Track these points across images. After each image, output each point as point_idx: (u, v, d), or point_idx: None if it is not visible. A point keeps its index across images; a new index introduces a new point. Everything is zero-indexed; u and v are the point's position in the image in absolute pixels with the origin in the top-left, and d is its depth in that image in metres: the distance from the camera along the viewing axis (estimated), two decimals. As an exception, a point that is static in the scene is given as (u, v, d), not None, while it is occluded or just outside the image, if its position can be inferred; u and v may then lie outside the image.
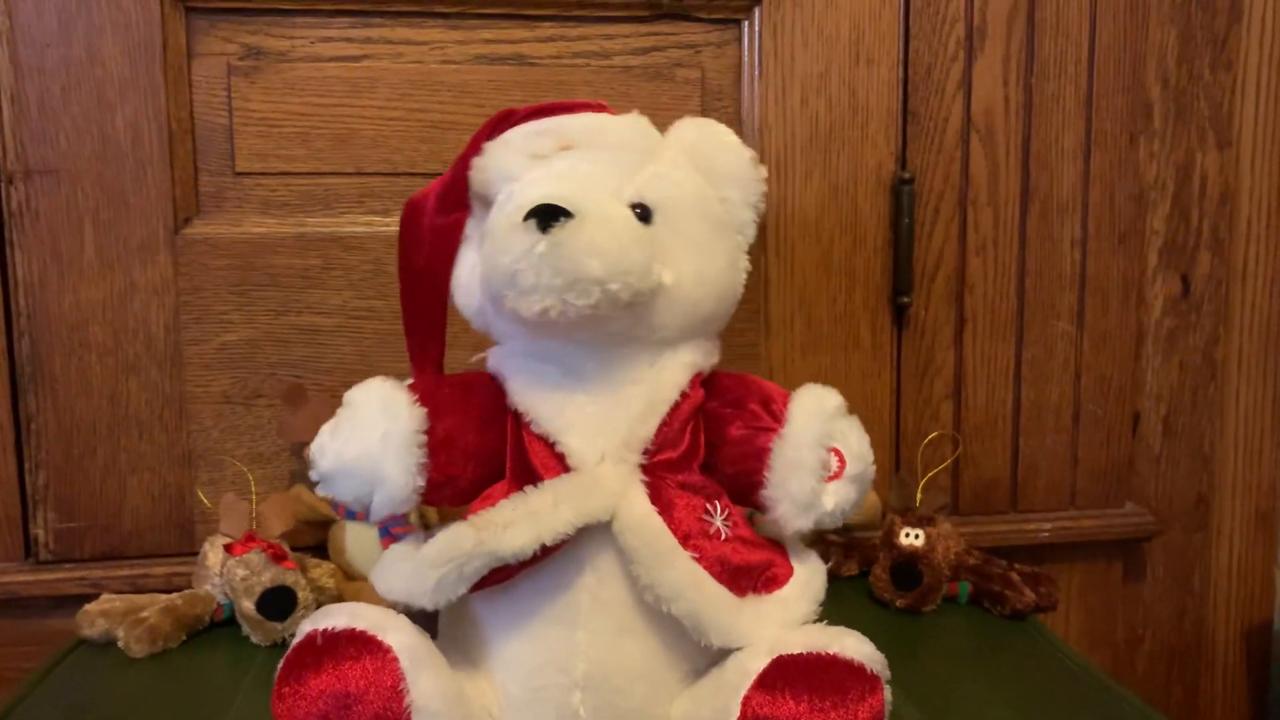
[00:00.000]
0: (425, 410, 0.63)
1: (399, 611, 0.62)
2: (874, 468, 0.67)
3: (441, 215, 0.67)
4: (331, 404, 0.89)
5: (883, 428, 1.02)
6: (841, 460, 0.65)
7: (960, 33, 0.99)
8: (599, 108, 0.70)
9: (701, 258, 0.65)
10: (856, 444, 0.66)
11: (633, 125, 0.68)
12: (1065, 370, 1.05)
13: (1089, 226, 1.03)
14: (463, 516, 0.65)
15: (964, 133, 1.00)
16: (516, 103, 0.94)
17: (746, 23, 0.97)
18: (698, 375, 0.67)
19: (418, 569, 0.62)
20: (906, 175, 0.99)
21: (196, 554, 0.89)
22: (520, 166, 0.65)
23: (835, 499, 0.65)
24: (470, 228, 0.68)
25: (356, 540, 0.88)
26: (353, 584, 0.88)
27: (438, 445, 0.63)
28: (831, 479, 0.65)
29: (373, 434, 0.62)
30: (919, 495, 0.91)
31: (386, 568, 0.65)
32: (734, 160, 0.69)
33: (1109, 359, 1.06)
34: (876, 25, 0.98)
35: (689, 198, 0.66)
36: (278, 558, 0.82)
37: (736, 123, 0.99)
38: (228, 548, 0.82)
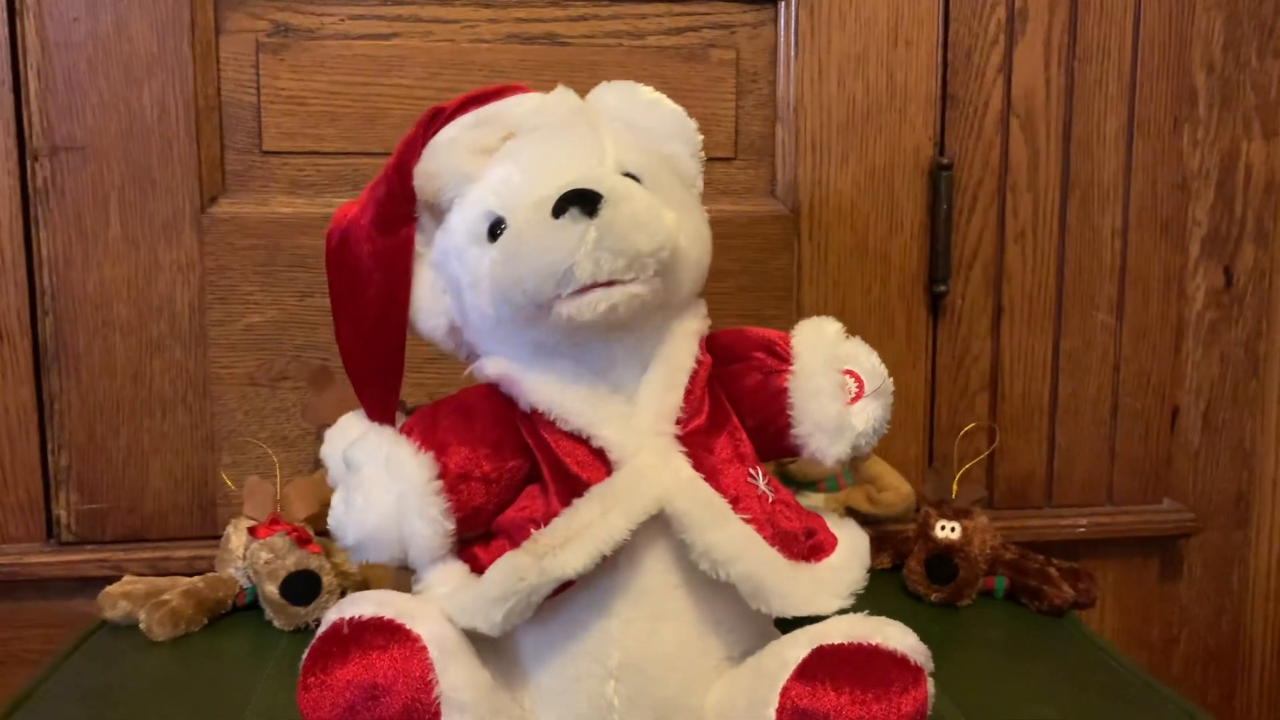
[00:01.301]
0: (431, 454, 0.61)
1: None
2: (891, 381, 0.66)
3: (384, 236, 0.62)
4: (357, 387, 0.90)
5: (917, 419, 1.01)
6: (858, 380, 0.64)
7: (1001, 15, 0.97)
8: (520, 89, 0.66)
9: (686, 215, 0.63)
10: (867, 361, 0.65)
11: (568, 100, 0.65)
12: (1104, 362, 1.03)
13: (1130, 215, 1.01)
14: (501, 520, 0.63)
15: (1004, 117, 0.98)
16: (547, 84, 0.93)
17: (783, 3, 0.95)
18: (701, 340, 0.65)
19: (481, 604, 0.58)
20: (945, 160, 0.97)
21: (219, 538, 0.88)
22: (474, 164, 0.62)
23: (864, 417, 0.64)
24: (420, 241, 0.63)
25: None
26: (377, 569, 0.86)
27: (454, 483, 0.61)
28: (853, 401, 0.64)
29: (386, 498, 0.60)
30: (954, 488, 0.88)
31: (442, 596, 0.61)
32: (668, 116, 0.67)
33: (1148, 352, 1.04)
34: (915, 7, 0.96)
35: (655, 160, 0.64)
36: (302, 541, 0.81)
37: (771, 105, 0.97)
38: (252, 530, 0.81)
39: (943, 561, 0.85)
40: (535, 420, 0.62)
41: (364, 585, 0.87)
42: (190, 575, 0.86)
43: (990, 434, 0.99)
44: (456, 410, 0.63)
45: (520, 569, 0.58)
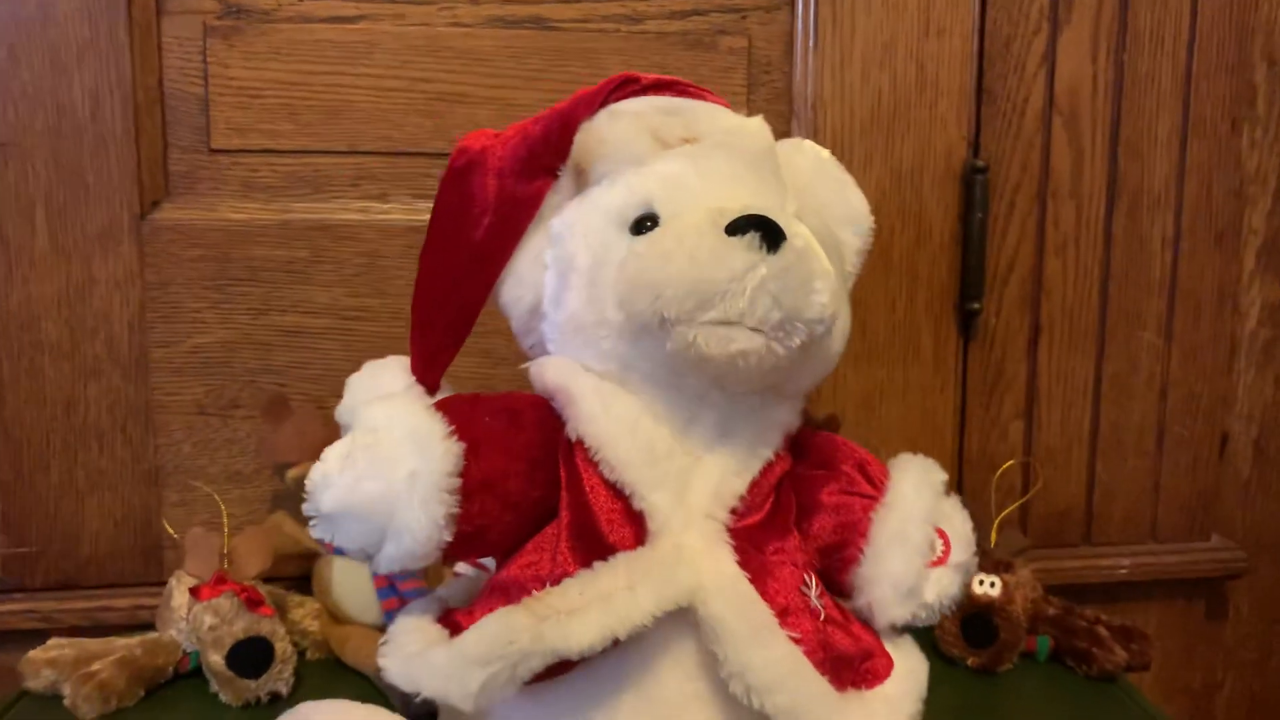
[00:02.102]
0: (463, 445, 0.52)
1: (395, 689, 0.52)
2: (976, 558, 0.59)
3: (521, 181, 0.56)
4: (319, 418, 0.81)
5: (945, 450, 0.92)
6: (946, 544, 0.57)
7: (1044, 1, 0.88)
8: (716, 98, 0.60)
9: (841, 303, 0.56)
10: (962, 527, 0.59)
11: (765, 133, 0.57)
12: (1150, 387, 0.95)
13: (1182, 224, 0.93)
14: (500, 577, 0.54)
15: (1045, 115, 0.90)
16: (534, 74, 0.85)
17: (801, -15, 0.87)
18: (788, 436, 0.58)
19: (457, 666, 0.50)
20: (980, 163, 0.88)
21: (165, 583, 0.78)
22: (646, 148, 0.55)
23: (937, 589, 0.57)
24: (547, 202, 0.57)
25: (345, 578, 0.77)
26: (339, 628, 0.77)
27: (473, 490, 0.52)
28: (934, 564, 0.57)
29: (397, 471, 0.50)
30: (993, 535, 0.79)
31: (410, 654, 0.53)
32: (852, 203, 0.61)
33: (1198, 374, 0.96)
34: (949, -10, 0.87)
35: (825, 234, 0.57)
36: (253, 603, 0.71)
37: (786, 99, 0.88)
38: (194, 591, 0.71)
39: (981, 622, 0.76)
40: (577, 454, 0.54)
41: (324, 645, 0.77)
42: (132, 628, 0.79)
43: (1025, 471, 0.90)
44: (503, 410, 0.55)
45: (514, 629, 0.49)
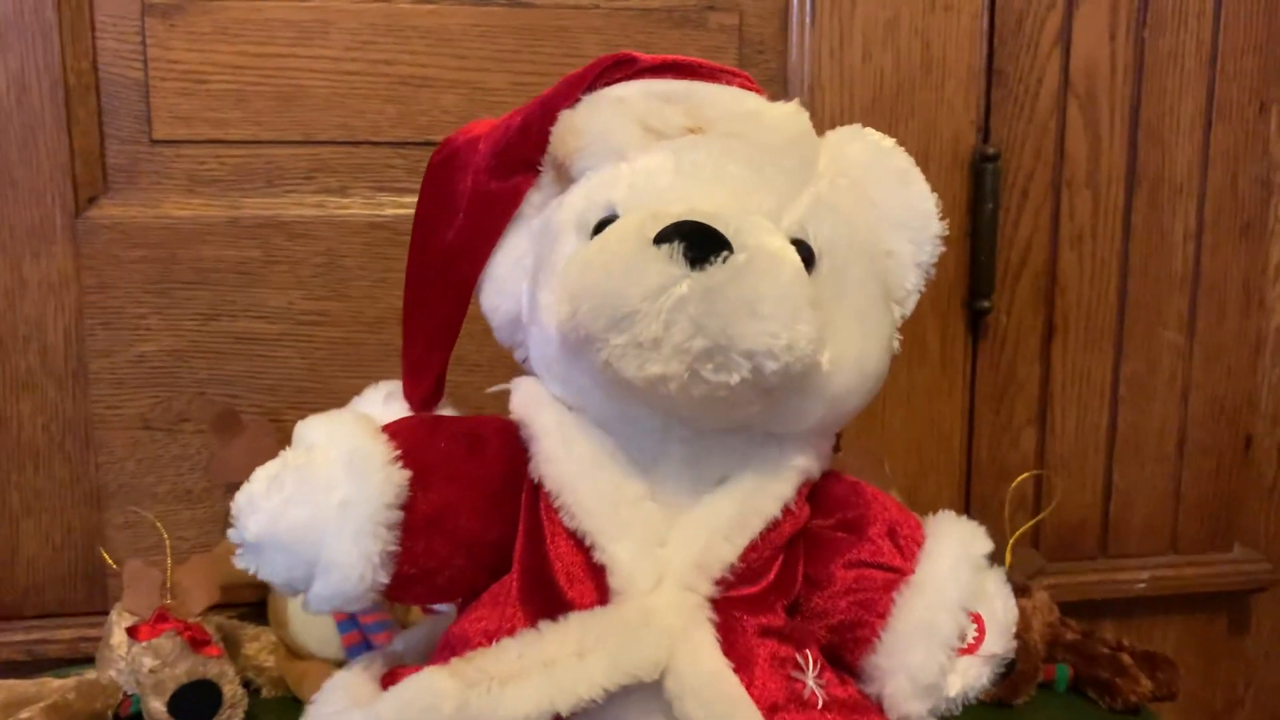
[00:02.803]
0: (409, 474, 0.46)
1: None
2: (1015, 645, 0.52)
3: (496, 176, 0.51)
4: (273, 433, 0.75)
5: (952, 458, 0.87)
6: (981, 630, 0.50)
7: None
8: (744, 80, 0.53)
9: (865, 333, 0.49)
10: (1004, 611, 0.51)
11: (794, 119, 0.50)
12: (1170, 389, 0.90)
13: (1206, 214, 0.88)
14: (451, 630, 0.48)
15: (1060, 98, 0.84)
16: (507, 55, 0.79)
17: (796, -43, 0.81)
18: (806, 485, 0.50)
19: None
20: (990, 150, 0.83)
21: (109, 613, 0.72)
22: (633, 139, 0.48)
23: (963, 682, 0.50)
24: (529, 200, 0.51)
25: (302, 612, 0.70)
26: (297, 664, 0.71)
27: (419, 527, 0.47)
28: (964, 652, 0.49)
29: (327, 498, 0.45)
30: (1008, 555, 0.73)
31: (326, 716, 0.47)
32: (914, 201, 0.52)
33: (1222, 375, 0.91)
34: (957, -38, 0.82)
35: (860, 244, 0.49)
36: (197, 643, 0.65)
37: (781, 81, 0.82)
38: (132, 631, 0.64)
39: (996, 652, 0.70)
40: (540, 496, 0.48)
41: (280, 682, 0.71)
42: (73, 663, 0.74)
43: (1038, 483, 0.85)
44: (465, 436, 0.49)
45: (436, 695, 0.44)
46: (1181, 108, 0.86)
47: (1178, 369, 0.89)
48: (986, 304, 0.84)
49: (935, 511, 0.81)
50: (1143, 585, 0.90)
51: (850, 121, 0.80)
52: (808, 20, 0.80)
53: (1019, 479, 0.79)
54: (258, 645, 0.72)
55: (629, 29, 0.79)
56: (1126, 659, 0.73)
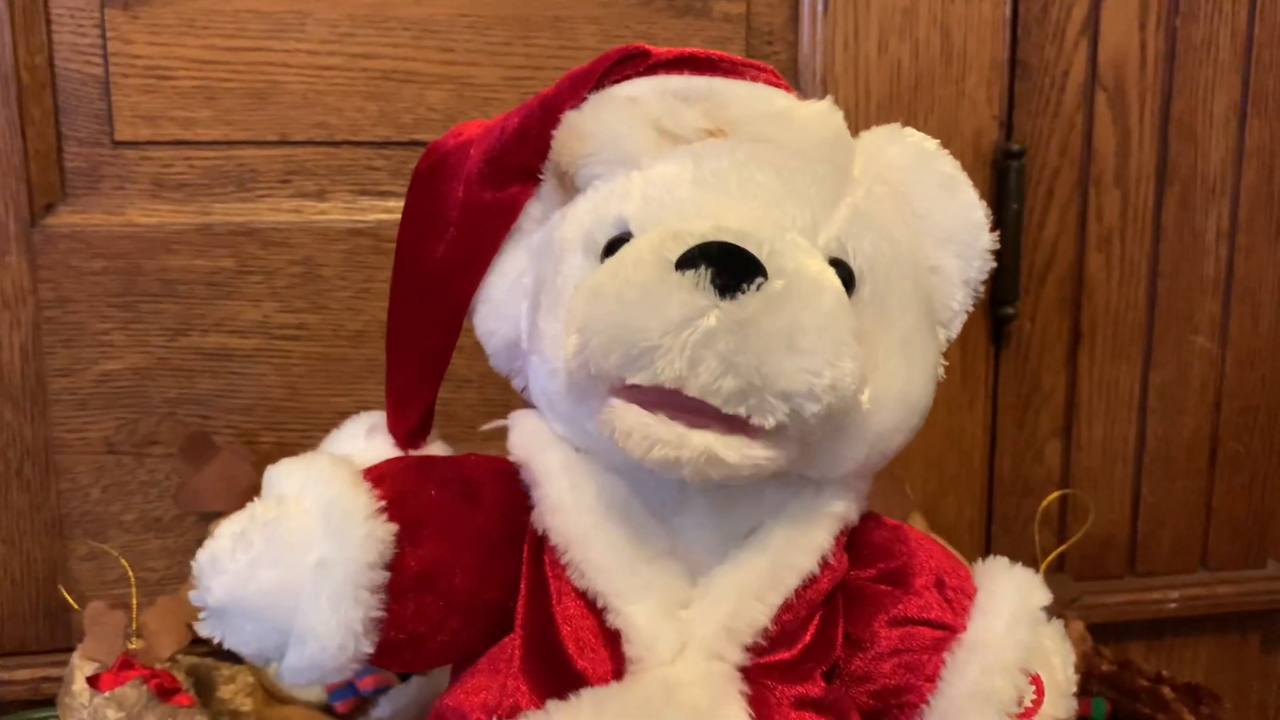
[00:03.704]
0: (395, 527, 0.42)
1: None
2: (1075, 707, 0.47)
3: (490, 186, 0.47)
4: (248, 457, 0.71)
5: (973, 473, 0.83)
6: (1039, 692, 0.45)
7: None
8: (770, 76, 0.47)
9: (910, 364, 0.44)
10: (1063, 669, 0.47)
11: (827, 119, 0.45)
12: (1202, 398, 0.86)
13: (1240, 215, 0.84)
14: (442, 701, 0.44)
15: (1088, 91, 0.80)
16: (497, 48, 0.74)
17: (807, -59, 0.76)
18: (844, 532, 0.45)
19: None
20: (1014, 146, 0.78)
21: (73, 650, 0.67)
22: (646, 144, 0.44)
23: None
24: (528, 213, 0.47)
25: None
26: (277, 709, 0.67)
27: (407, 587, 0.42)
28: (1020, 718, 0.45)
29: (301, 558, 0.41)
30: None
31: None
32: (962, 210, 0.47)
33: (1256, 383, 0.87)
34: (978, -53, 0.78)
35: (903, 261, 0.45)
36: (165, 692, 0.60)
37: (792, 74, 0.78)
38: (93, 680, 0.60)
39: (1030, 688, 0.65)
40: (544, 549, 0.43)
41: (260, 729, 0.66)
42: (36, 703, 0.71)
43: (1063, 500, 0.81)
44: (457, 480, 0.45)
45: None
46: (1215, 101, 0.82)
47: (1209, 377, 0.85)
48: (1010, 310, 0.80)
49: (959, 532, 0.77)
50: (1173, 605, 0.86)
51: (866, 117, 0.78)
52: (820, 8, 0.75)
53: (1048, 499, 0.75)
54: (233, 688, 0.67)
55: (628, 18, 0.75)
56: (1168, 692, 0.68)
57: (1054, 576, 0.71)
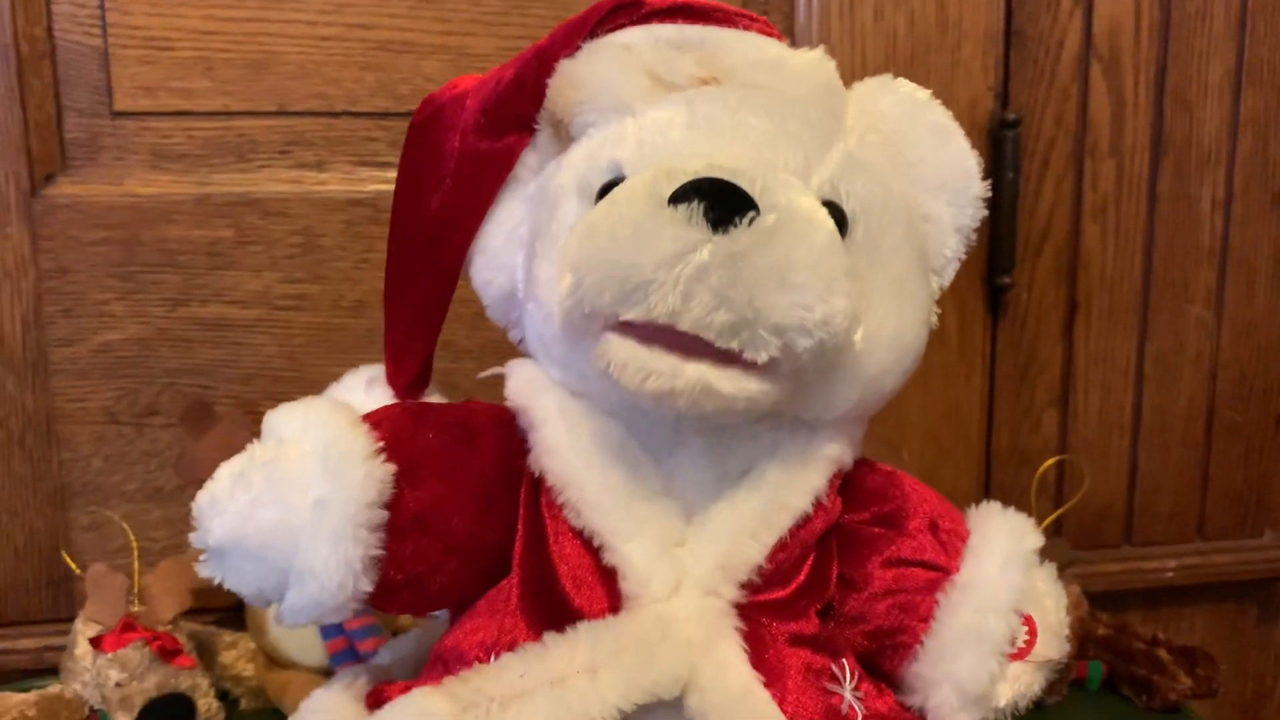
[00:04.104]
0: (393, 468, 0.42)
1: None
2: (1069, 648, 0.48)
3: (485, 136, 0.47)
4: (248, 426, 0.71)
5: (970, 444, 0.83)
6: (1032, 632, 0.46)
7: None
8: (763, 25, 0.49)
9: (902, 306, 0.45)
10: (1055, 610, 0.48)
11: (820, 67, 0.47)
12: (1198, 367, 0.86)
13: (1235, 184, 0.84)
14: (443, 643, 0.43)
15: (1083, 60, 0.80)
16: (493, 17, 0.74)
17: (802, -90, 0.76)
18: (838, 475, 0.46)
19: None
20: (1010, 116, 0.78)
21: (74, 621, 0.67)
22: (640, 91, 0.44)
23: (1013, 691, 0.46)
24: (524, 162, 0.47)
25: (283, 616, 0.65)
26: (278, 673, 0.67)
27: (405, 527, 0.42)
28: (1015, 657, 0.45)
29: (300, 497, 0.41)
30: (1036, 546, 0.69)
31: None
32: (953, 159, 0.48)
33: (1252, 352, 0.87)
34: (973, -85, 0.77)
35: (896, 207, 0.45)
36: (167, 653, 0.61)
37: (788, 41, 0.76)
38: (96, 642, 0.60)
39: (1027, 650, 0.65)
40: (541, 492, 0.44)
41: (260, 693, 0.66)
42: (39, 674, 0.70)
43: (1060, 469, 0.81)
44: (456, 425, 0.45)
45: (428, 715, 0.39)
46: (1209, 71, 0.82)
47: (1205, 347, 0.85)
48: (1007, 280, 0.80)
49: (956, 502, 0.78)
50: (1170, 574, 0.86)
51: (861, 80, 0.77)
52: (816, -22, 0.76)
53: (1045, 465, 0.75)
54: (234, 654, 0.68)
55: (624, -11, 0.75)
56: (1164, 654, 0.69)
57: (1049, 540, 0.70)
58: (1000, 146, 0.78)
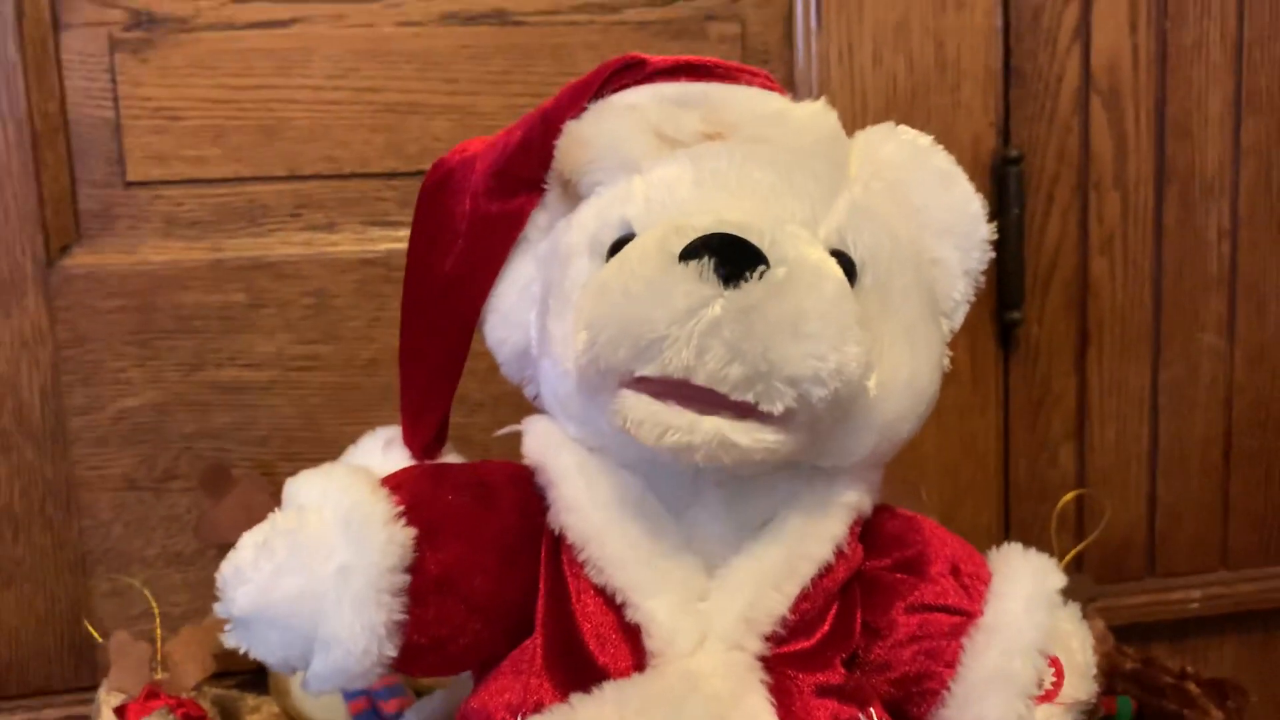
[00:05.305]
0: (414, 531, 0.42)
1: None
2: (1097, 689, 0.48)
3: (496, 198, 0.48)
4: (266, 488, 0.71)
5: (988, 479, 0.83)
6: (1059, 674, 0.46)
7: None
8: (764, 80, 0.49)
9: (915, 352, 0.45)
10: (1082, 651, 0.47)
11: (822, 119, 0.47)
12: (1212, 395, 0.86)
13: (1240, 211, 0.84)
14: (468, 704, 0.44)
15: (1082, 95, 0.81)
16: (498, 76, 0.75)
17: (798, -40, 0.78)
18: (858, 522, 0.46)
19: None
20: (1012, 153, 0.79)
21: (98, 689, 0.67)
22: (647, 149, 0.45)
23: None
24: (534, 222, 0.48)
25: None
26: None
27: (428, 590, 0.43)
28: (1042, 700, 0.45)
29: (323, 564, 0.41)
30: (1058, 582, 0.68)
31: None
32: (958, 203, 0.49)
33: (1266, 377, 0.86)
34: (967, -42, 0.79)
35: (904, 253, 0.46)
36: (192, 719, 0.59)
37: (789, 89, 0.76)
38: (120, 710, 0.60)
39: (1054, 688, 0.65)
40: (561, 548, 0.44)
41: (285, 758, 0.66)
42: None
43: (1079, 502, 0.81)
44: (474, 486, 0.46)
45: None
46: (1209, 101, 0.82)
47: (1219, 374, 0.85)
48: (1017, 315, 0.80)
49: (976, 538, 0.77)
50: (1195, 604, 0.85)
51: (864, 129, 0.78)
52: (814, 25, 0.76)
53: (1065, 499, 0.75)
54: (258, 717, 0.68)
55: (625, 43, 0.75)
56: (1193, 688, 0.68)
57: (1072, 577, 0.70)
58: (1004, 183, 0.78)
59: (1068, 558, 0.70)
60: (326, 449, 0.75)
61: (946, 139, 0.79)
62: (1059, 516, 0.76)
